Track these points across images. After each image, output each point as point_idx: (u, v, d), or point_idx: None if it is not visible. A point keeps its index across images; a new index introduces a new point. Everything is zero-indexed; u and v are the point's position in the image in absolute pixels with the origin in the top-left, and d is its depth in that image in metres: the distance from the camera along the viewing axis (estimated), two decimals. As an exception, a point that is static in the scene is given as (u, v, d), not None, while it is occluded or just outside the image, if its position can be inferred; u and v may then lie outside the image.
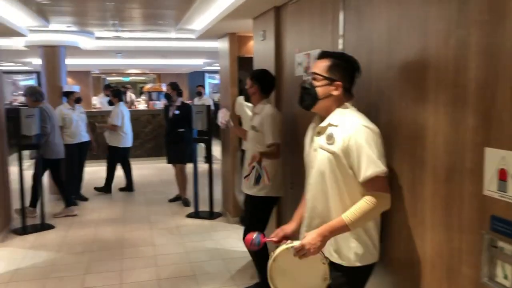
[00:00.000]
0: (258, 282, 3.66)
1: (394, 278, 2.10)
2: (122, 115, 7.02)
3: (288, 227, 2.29)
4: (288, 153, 3.47)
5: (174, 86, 6.53)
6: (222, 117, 4.41)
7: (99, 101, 12.29)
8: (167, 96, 6.67)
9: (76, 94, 6.75)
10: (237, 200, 5.37)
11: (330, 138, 2.00)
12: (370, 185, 1.91)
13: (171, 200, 6.68)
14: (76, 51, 7.88)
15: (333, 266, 2.04)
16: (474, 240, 1.57)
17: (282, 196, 3.58)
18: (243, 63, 5.38)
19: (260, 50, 4.15)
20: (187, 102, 8.09)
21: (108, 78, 18.88)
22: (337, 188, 2.00)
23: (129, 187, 7.40)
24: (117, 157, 7.17)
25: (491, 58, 1.47)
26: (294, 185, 3.34)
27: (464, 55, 1.59)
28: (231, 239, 5.02)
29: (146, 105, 13.32)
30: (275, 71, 3.72)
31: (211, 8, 4.82)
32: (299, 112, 3.27)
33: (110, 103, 7.38)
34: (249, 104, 3.99)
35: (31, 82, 15.31)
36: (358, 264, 2.03)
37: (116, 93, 7.39)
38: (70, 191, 6.57)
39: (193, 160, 6.10)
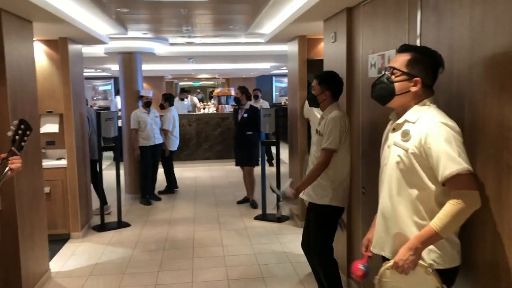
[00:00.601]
0: None
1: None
2: (173, 119, 7.22)
3: (372, 235, 2.21)
4: (362, 158, 3.39)
5: (243, 90, 6.63)
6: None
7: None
8: (236, 99, 6.79)
9: (145, 99, 7.06)
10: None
11: (406, 135, 1.92)
12: (453, 185, 1.79)
13: (239, 202, 6.78)
14: (151, 57, 8.25)
15: (438, 272, 1.90)
16: None
17: (345, 207, 3.36)
18: (312, 65, 5.35)
19: (331, 52, 4.10)
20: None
21: (180, 83, 19.57)
22: (408, 186, 1.92)
23: (169, 189, 7.60)
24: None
25: None
26: (366, 190, 3.26)
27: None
28: (298, 242, 4.92)
29: (216, 109, 13.64)
30: (347, 73, 3.66)
31: (282, 12, 4.84)
32: (372, 114, 3.19)
33: (162, 107, 7.61)
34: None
35: (109, 87, 16.22)
36: (439, 267, 1.92)
37: (167, 97, 7.65)
38: (145, 191, 6.90)
39: (261, 163, 6.14)
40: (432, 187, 1.87)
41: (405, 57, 1.98)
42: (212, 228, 5.62)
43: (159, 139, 7.10)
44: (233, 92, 12.56)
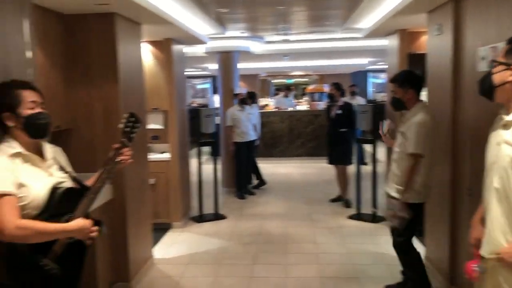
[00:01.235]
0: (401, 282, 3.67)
1: None
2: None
3: (478, 233, 2.07)
4: (467, 157, 3.18)
5: (337, 86, 6.54)
6: (385, 128, 4.15)
7: (276, 101, 12.73)
8: (330, 96, 6.70)
9: (239, 96, 7.24)
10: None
11: None
12: None
13: (333, 200, 6.70)
14: (247, 55, 8.45)
15: None
16: None
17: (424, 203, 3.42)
18: (413, 60, 5.11)
19: (435, 46, 3.88)
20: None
21: (273, 81, 19.79)
22: None
23: (262, 182, 7.68)
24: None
25: None
26: (472, 191, 3.04)
27: None
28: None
29: (308, 106, 13.61)
30: (453, 66, 3.45)
31: (381, 5, 4.68)
32: (481, 111, 2.97)
33: (244, 102, 7.57)
34: None
35: (207, 85, 16.89)
36: None
37: (251, 95, 7.71)
38: (240, 185, 7.12)
39: (356, 161, 6.01)
40: None
41: (506, 48, 1.83)
42: (304, 225, 5.62)
43: (253, 136, 7.26)
44: (326, 89, 12.44)
